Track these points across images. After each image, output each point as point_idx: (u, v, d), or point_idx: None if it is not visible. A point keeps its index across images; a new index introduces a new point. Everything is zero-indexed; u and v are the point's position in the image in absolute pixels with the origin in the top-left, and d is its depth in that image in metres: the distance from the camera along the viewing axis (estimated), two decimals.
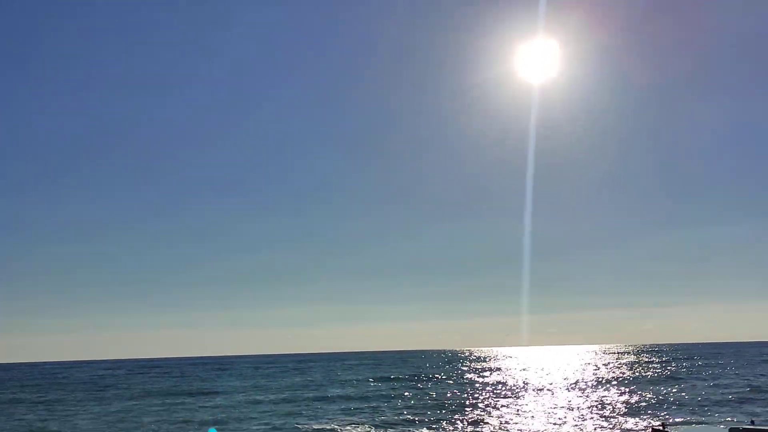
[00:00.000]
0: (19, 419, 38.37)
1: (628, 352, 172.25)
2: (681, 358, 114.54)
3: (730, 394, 45.59)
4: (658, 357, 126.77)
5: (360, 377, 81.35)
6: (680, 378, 63.52)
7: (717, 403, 40.17)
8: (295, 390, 60.37)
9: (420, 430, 30.43)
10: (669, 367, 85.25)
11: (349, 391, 57.99)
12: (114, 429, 32.43)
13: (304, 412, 39.92)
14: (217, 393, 58.40)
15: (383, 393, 54.22)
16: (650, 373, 73.09)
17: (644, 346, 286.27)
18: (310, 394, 54.06)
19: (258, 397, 51.89)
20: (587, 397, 46.89)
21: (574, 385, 58.83)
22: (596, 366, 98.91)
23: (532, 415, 36.47)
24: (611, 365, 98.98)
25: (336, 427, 32.04)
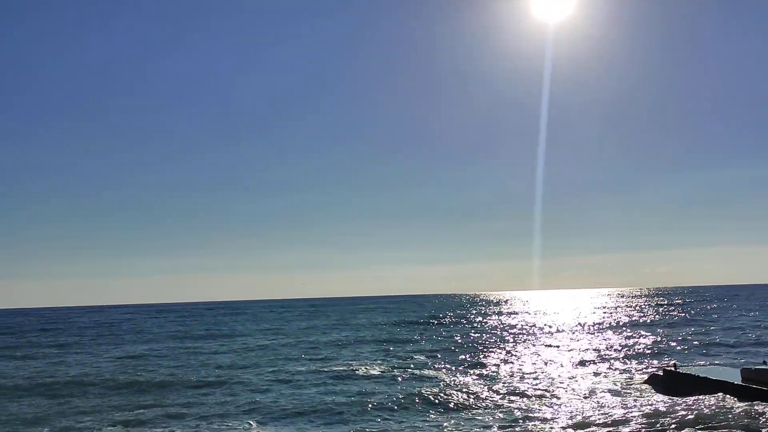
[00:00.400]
0: (40, 361, 39.10)
1: (642, 296, 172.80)
2: (694, 301, 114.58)
3: (743, 335, 45.40)
4: (672, 300, 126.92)
5: (374, 321, 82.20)
6: (693, 320, 63.46)
7: (730, 344, 40.02)
8: (311, 333, 61.07)
9: (433, 370, 30.58)
10: (682, 310, 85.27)
11: (365, 333, 58.57)
12: (134, 371, 32.91)
13: (320, 354, 40.30)
14: (233, 336, 59.24)
15: (397, 336, 54.66)
16: (664, 316, 73.13)
17: (658, 289, 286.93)
18: (326, 338, 54.64)
19: (274, 341, 52.52)
20: (600, 339, 46.94)
21: (586, 328, 58.96)
22: (609, 309, 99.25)
23: (543, 356, 36.53)
24: (624, 308, 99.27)
25: (353, 368, 32.28)
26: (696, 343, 41.27)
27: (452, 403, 21.97)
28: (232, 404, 22.72)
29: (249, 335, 60.01)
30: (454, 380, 27.69)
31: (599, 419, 18.77)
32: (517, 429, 17.61)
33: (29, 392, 26.30)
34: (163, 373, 32.09)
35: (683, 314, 75.43)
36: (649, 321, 65.63)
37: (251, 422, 19.47)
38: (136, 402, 23.54)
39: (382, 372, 31.04)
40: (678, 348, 38.75)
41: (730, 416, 17.87)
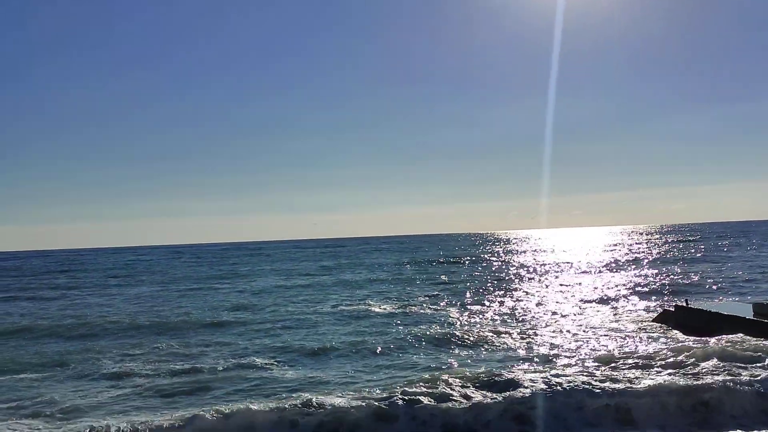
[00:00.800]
0: (58, 302, 39.96)
1: (656, 233, 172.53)
2: (709, 238, 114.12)
3: (759, 272, 45.37)
4: (686, 237, 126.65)
5: (387, 260, 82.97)
6: (708, 257, 63.43)
7: (745, 280, 40.04)
8: (325, 273, 61.85)
9: (447, 308, 30.93)
10: (697, 247, 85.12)
11: (378, 273, 59.22)
12: (150, 311, 33.57)
13: (335, 293, 40.87)
14: (249, 277, 60.15)
15: (409, 275, 55.21)
16: (677, 253, 73.13)
17: (673, 226, 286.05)
18: (340, 277, 55.31)
19: (288, 281, 53.26)
20: (611, 276, 47.15)
21: (597, 266, 59.19)
22: (621, 246, 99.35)
23: (554, 294, 36.82)
24: (637, 246, 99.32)
25: (368, 306, 32.73)
26: (710, 280, 41.33)
27: (466, 340, 22.26)
28: (250, 343, 23.17)
29: (264, 276, 60.88)
30: (468, 317, 28.03)
31: (608, 354, 18.96)
32: (526, 365, 17.83)
33: (48, 333, 26.88)
34: (180, 312, 32.71)
35: (698, 251, 75.34)
36: (662, 258, 65.70)
37: (269, 360, 19.88)
38: (154, 342, 24.05)
39: (395, 310, 31.44)
40: (691, 285, 38.84)
41: (739, 351, 17.98)
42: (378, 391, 14.55)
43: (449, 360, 19.28)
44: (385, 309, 31.89)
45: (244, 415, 12.67)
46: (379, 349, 21.17)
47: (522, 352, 20.09)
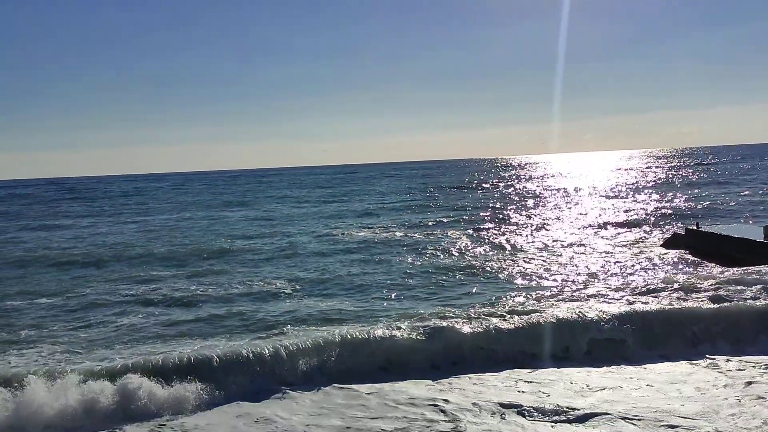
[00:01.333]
0: (69, 230, 40.31)
1: (668, 156, 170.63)
2: (725, 162, 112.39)
3: None
4: (701, 160, 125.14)
5: (396, 187, 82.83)
6: (721, 181, 62.75)
7: (757, 203, 39.66)
8: (334, 200, 61.90)
9: (456, 235, 31.00)
10: (711, 171, 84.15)
11: (387, 199, 59.21)
12: (161, 239, 33.86)
13: (344, 221, 41.00)
14: (257, 204, 60.34)
15: (419, 201, 55.15)
16: (690, 177, 72.41)
17: (685, 149, 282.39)
18: (349, 206, 55.37)
19: (298, 209, 53.40)
20: (621, 201, 46.91)
21: (606, 190, 58.85)
22: (632, 171, 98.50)
23: (563, 219, 36.77)
24: (649, 170, 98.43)
25: (375, 234, 32.85)
26: (722, 203, 40.98)
27: (474, 268, 22.37)
28: (259, 270, 23.41)
29: (274, 203, 61.05)
30: (476, 245, 28.09)
31: (618, 279, 19.02)
32: (536, 292, 17.88)
33: (56, 262, 27.10)
34: (190, 240, 32.95)
35: (711, 175, 74.51)
36: (674, 182, 65.15)
37: (275, 286, 20.11)
38: (163, 270, 24.26)
39: (402, 237, 31.52)
40: (704, 209, 38.45)
41: (749, 274, 17.95)
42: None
43: (453, 290, 19.44)
44: (391, 236, 31.98)
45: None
46: (382, 280, 21.27)
47: (531, 282, 20.17)
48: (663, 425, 9.07)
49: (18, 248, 31.82)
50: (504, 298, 17.08)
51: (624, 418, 9.35)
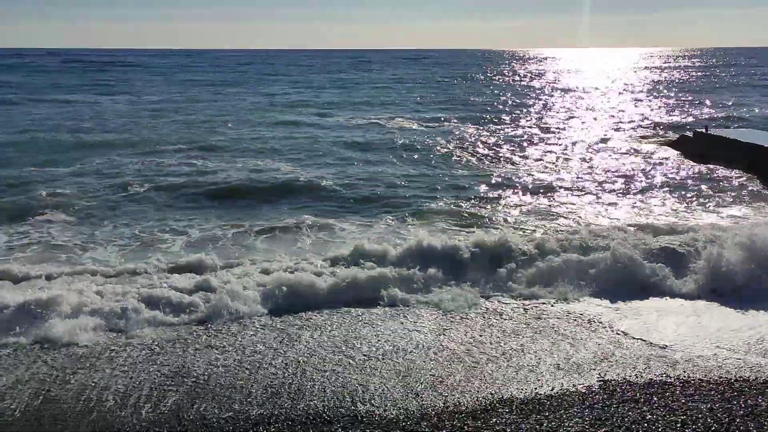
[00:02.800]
0: (74, 106, 39.93)
1: (692, 57, 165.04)
2: (757, 65, 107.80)
3: None
4: (729, 61, 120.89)
5: (406, 77, 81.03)
6: (740, 84, 61.09)
7: None
8: (349, 85, 60.82)
9: (462, 128, 30.78)
10: (732, 73, 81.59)
11: (398, 88, 58.14)
12: (174, 121, 33.67)
13: (357, 107, 40.59)
14: (267, 85, 59.35)
15: (430, 94, 54.17)
16: (708, 80, 70.50)
17: (713, 49, 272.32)
18: (364, 92, 54.45)
19: (306, 90, 52.56)
20: (637, 101, 46.05)
21: (619, 90, 57.67)
22: (650, 70, 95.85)
23: (572, 117, 36.30)
24: (667, 70, 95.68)
25: (383, 121, 32.62)
26: (735, 106, 40.16)
27: (480, 157, 22.41)
28: (269, 145, 23.58)
29: (292, 83, 59.98)
30: (484, 139, 27.93)
31: (623, 179, 19.10)
32: (543, 190, 17.97)
33: (70, 135, 27.12)
34: (201, 117, 32.81)
35: (732, 77, 72.28)
36: (692, 85, 63.48)
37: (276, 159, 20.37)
38: (174, 143, 24.36)
39: (407, 126, 31.33)
40: (717, 112, 37.67)
41: (754, 182, 18.00)
42: None
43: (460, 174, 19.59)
44: (398, 124, 31.80)
45: None
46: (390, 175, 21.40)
47: (528, 178, 20.27)
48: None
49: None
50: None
51: None
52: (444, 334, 8.45)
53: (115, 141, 24.88)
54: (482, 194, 16.89)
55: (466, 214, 14.60)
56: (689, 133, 25.76)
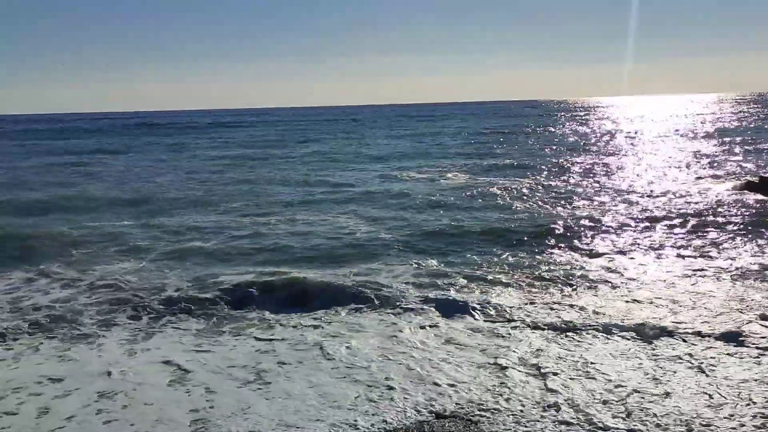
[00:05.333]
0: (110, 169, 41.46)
1: (752, 102, 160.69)
2: None
3: None
4: None
5: (455, 129, 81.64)
6: None
7: None
8: (394, 140, 61.63)
9: (516, 180, 30.58)
10: None
11: (445, 141, 58.51)
12: (219, 183, 34.63)
13: (402, 162, 40.99)
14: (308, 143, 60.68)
15: (477, 148, 54.25)
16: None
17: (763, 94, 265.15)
18: (409, 143, 55.05)
19: (356, 148, 53.48)
20: (692, 147, 44.96)
21: (678, 135, 56.50)
22: (706, 115, 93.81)
23: (630, 162, 35.60)
24: (725, 115, 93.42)
25: (420, 174, 32.76)
26: None
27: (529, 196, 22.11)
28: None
29: (329, 140, 61.14)
30: (545, 184, 27.61)
31: (688, 222, 18.48)
32: (606, 234, 17.55)
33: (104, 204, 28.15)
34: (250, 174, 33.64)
35: None
36: (752, 129, 61.61)
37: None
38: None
39: (455, 180, 31.32)
40: None
41: None
42: None
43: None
44: (450, 179, 31.86)
45: None
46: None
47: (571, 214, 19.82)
48: None
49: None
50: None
51: None
52: None
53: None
54: None
55: None
56: (755, 179, 24.85)
